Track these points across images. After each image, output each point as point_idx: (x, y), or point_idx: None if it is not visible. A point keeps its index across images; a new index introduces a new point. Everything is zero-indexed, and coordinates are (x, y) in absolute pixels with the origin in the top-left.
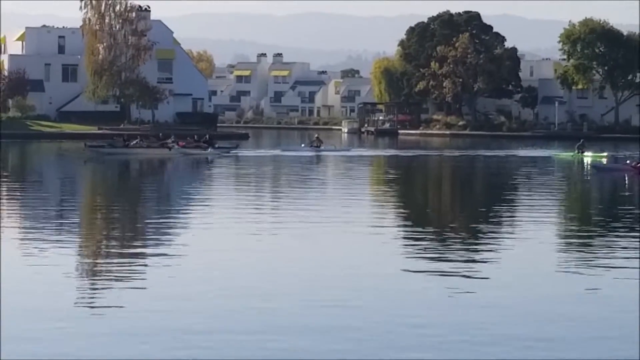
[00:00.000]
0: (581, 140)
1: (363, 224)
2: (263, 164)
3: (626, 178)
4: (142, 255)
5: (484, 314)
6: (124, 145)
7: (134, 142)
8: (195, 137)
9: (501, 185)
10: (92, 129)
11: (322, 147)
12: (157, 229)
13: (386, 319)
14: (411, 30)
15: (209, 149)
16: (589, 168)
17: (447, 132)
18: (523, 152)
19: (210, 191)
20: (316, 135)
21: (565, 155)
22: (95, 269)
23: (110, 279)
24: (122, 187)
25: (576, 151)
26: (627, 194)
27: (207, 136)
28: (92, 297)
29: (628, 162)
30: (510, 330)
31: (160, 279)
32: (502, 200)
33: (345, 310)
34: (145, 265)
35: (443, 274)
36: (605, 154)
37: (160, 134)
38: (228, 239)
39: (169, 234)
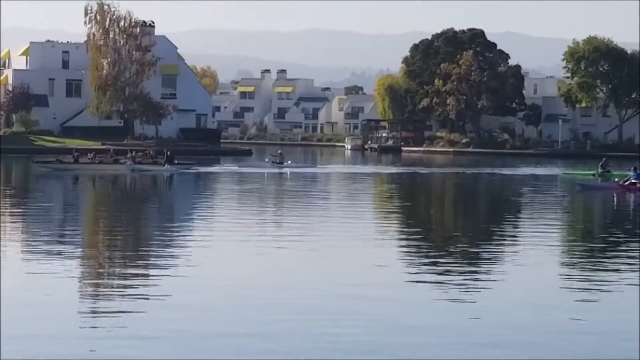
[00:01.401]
0: (604, 159)
1: (363, 240)
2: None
3: (614, 196)
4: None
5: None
6: (74, 161)
7: (91, 156)
8: (151, 152)
9: (503, 202)
10: (96, 144)
11: (284, 164)
12: (152, 246)
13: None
14: (415, 48)
15: (166, 165)
16: (576, 186)
17: (451, 149)
18: (527, 170)
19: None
20: (279, 151)
21: (584, 173)
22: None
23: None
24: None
25: (600, 169)
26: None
27: (168, 152)
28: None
29: (616, 180)
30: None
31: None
32: (503, 217)
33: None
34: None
35: (443, 286)
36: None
37: (112, 149)
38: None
39: (175, 247)
